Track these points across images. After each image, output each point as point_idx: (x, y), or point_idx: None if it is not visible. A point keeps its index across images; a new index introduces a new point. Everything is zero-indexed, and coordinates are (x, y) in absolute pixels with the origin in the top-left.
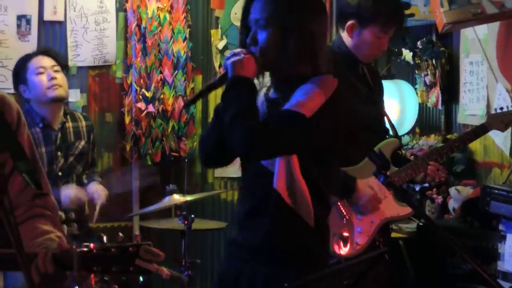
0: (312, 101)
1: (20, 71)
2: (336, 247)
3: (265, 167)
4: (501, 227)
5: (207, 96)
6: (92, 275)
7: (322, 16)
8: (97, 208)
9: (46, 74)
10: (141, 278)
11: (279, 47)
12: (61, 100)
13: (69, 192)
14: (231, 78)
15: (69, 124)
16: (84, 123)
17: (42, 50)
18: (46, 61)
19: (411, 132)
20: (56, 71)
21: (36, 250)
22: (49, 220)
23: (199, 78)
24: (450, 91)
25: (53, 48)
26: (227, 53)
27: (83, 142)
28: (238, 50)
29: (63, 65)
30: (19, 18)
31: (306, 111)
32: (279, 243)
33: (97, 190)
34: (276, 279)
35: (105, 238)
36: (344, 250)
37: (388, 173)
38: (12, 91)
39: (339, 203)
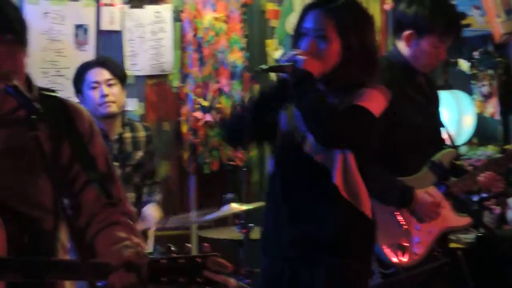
0: (379, 105)
1: (77, 82)
2: (394, 257)
3: (320, 163)
4: None
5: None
6: None
7: (374, 28)
8: (151, 237)
9: (99, 89)
10: None
11: (340, 57)
12: (113, 116)
13: (154, 213)
14: (303, 71)
15: (127, 135)
16: (143, 133)
17: (100, 61)
18: (102, 75)
19: (469, 142)
20: (110, 85)
21: (116, 259)
22: (126, 227)
23: (255, 87)
24: (508, 101)
25: (112, 58)
26: None
27: (140, 153)
28: (301, 51)
29: (121, 77)
30: (77, 27)
31: (375, 112)
32: (339, 235)
33: (151, 214)
34: (336, 271)
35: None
36: (402, 260)
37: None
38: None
39: (397, 213)
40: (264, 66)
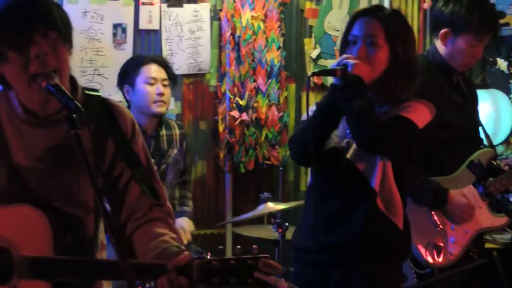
0: (423, 118)
1: (130, 73)
2: (429, 257)
3: (360, 171)
4: None
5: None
6: None
7: (415, 40)
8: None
9: (156, 86)
10: None
11: (388, 65)
12: (161, 116)
13: (186, 227)
14: (354, 75)
15: (163, 132)
16: (177, 131)
17: (158, 60)
18: (159, 73)
19: (506, 142)
20: (165, 85)
21: (163, 262)
22: (165, 223)
23: (292, 86)
24: None
25: (165, 60)
26: (321, 62)
27: (175, 151)
28: (352, 56)
29: (173, 80)
30: (115, 26)
31: (420, 124)
32: (371, 241)
33: (183, 228)
34: (368, 276)
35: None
36: (437, 260)
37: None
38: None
39: (433, 213)
40: (314, 70)
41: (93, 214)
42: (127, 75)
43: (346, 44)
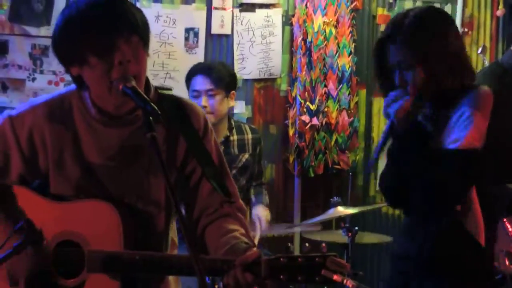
0: (478, 130)
1: (187, 86)
2: (502, 264)
3: None
4: None
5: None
6: None
7: (454, 28)
8: (257, 237)
9: (199, 99)
10: None
11: (428, 78)
12: (230, 122)
13: (263, 215)
14: (400, 127)
15: (234, 137)
16: (250, 135)
17: (205, 69)
18: (203, 84)
19: None
20: (211, 95)
21: (231, 258)
22: (236, 219)
23: (363, 92)
24: None
25: (221, 65)
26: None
27: (247, 155)
28: (393, 93)
29: (226, 86)
30: (187, 31)
31: (476, 142)
32: (448, 256)
33: (261, 217)
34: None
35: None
36: (510, 266)
37: None
38: None
39: (505, 220)
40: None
41: (164, 212)
42: (187, 86)
43: (383, 72)
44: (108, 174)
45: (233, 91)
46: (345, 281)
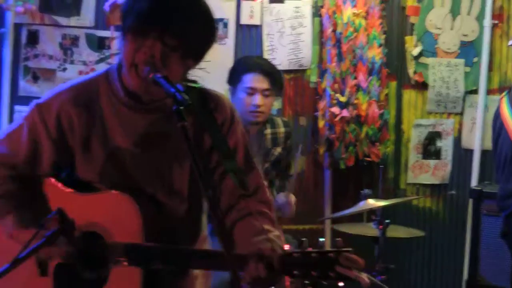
0: None
1: (233, 77)
2: None
3: None
4: None
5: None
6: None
7: None
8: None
9: (253, 97)
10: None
11: None
12: (257, 124)
13: (290, 200)
14: None
15: (267, 131)
16: (282, 129)
17: (264, 69)
18: (260, 83)
19: None
20: (266, 95)
21: (250, 252)
22: (265, 217)
23: (393, 84)
24: None
25: (275, 67)
26: (422, 59)
27: (279, 149)
28: None
29: (279, 88)
30: (217, 21)
31: None
32: None
33: (288, 203)
34: None
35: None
36: None
37: None
38: None
39: None
40: None
41: (187, 203)
42: (231, 77)
43: None
44: (132, 160)
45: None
46: (359, 278)
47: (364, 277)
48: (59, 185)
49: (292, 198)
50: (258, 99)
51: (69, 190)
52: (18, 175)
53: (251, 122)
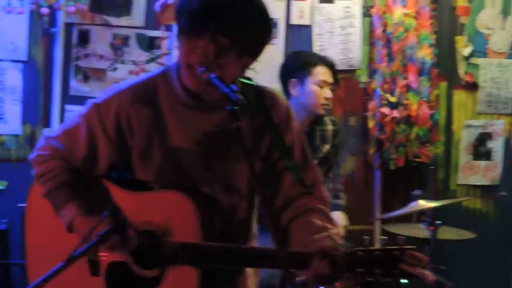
0: None
1: (300, 70)
2: None
3: None
4: None
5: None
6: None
7: None
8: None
9: (325, 90)
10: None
11: None
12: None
13: (340, 221)
14: None
15: (316, 128)
16: (330, 127)
17: (331, 64)
18: (329, 77)
19: None
20: (331, 89)
21: (313, 250)
22: (322, 214)
23: (443, 84)
24: None
25: (334, 63)
26: (472, 60)
27: (327, 146)
28: None
29: (336, 84)
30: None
31: None
32: None
33: (337, 222)
34: None
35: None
36: None
37: None
38: None
39: None
40: None
41: (246, 201)
42: (296, 70)
43: None
44: (191, 160)
45: None
46: (423, 275)
47: (429, 274)
48: (114, 184)
49: (344, 220)
50: (328, 92)
51: (124, 189)
52: (75, 169)
53: (319, 115)
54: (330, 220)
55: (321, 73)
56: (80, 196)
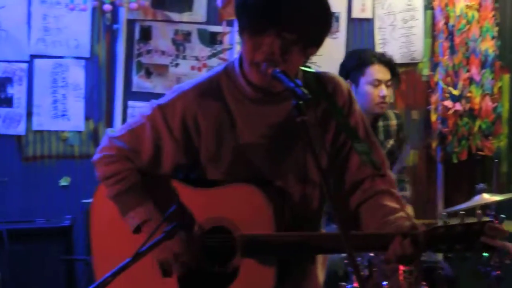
0: None
1: (354, 70)
2: None
3: None
4: None
5: None
6: (400, 271)
7: None
8: None
9: (380, 88)
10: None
11: None
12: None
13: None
14: None
15: (380, 124)
16: (395, 121)
17: (385, 60)
18: (384, 74)
19: None
20: (388, 86)
21: (392, 232)
22: (392, 196)
23: (506, 77)
24: None
25: (392, 57)
26: None
27: (391, 141)
28: None
29: (398, 78)
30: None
31: None
32: None
33: None
34: None
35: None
36: None
37: None
38: None
39: None
40: None
41: (319, 189)
42: (350, 71)
43: None
44: (260, 153)
45: None
46: (504, 246)
47: (510, 245)
48: (180, 182)
49: (410, 210)
50: (384, 90)
51: (191, 187)
52: (141, 169)
53: (376, 114)
54: (400, 202)
55: (374, 71)
56: (148, 199)
